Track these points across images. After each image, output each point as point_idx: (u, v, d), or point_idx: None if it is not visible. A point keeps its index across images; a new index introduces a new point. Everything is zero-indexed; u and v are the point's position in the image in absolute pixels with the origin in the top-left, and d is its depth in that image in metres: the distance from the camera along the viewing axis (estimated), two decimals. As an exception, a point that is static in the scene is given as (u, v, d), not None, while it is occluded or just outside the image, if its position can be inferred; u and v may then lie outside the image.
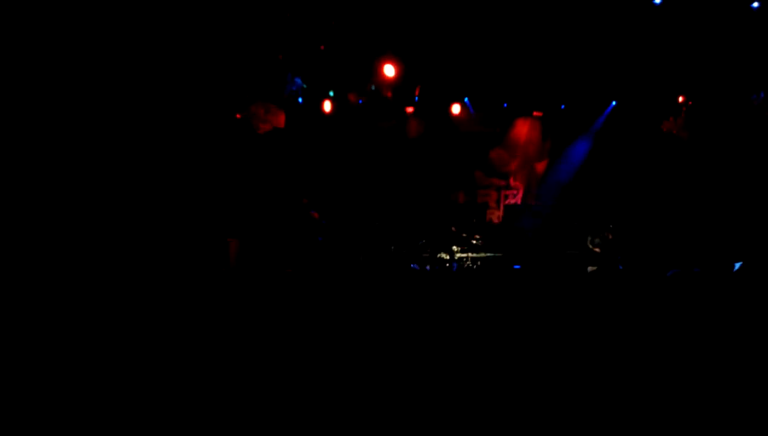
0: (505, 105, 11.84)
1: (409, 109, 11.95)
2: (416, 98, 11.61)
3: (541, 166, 12.40)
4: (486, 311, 6.67)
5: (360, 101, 11.76)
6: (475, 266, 10.40)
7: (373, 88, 11.39)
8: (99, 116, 8.20)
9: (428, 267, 10.44)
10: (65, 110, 7.65)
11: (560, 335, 5.52)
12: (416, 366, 4.37)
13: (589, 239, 10.62)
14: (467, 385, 3.98)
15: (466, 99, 11.65)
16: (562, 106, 11.81)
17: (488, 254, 10.59)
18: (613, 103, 11.47)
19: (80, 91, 7.84)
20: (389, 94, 11.32)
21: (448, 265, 10.02)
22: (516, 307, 6.92)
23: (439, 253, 10.69)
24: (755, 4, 9.02)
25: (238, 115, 10.75)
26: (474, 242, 10.73)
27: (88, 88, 7.95)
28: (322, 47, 9.82)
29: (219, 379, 3.91)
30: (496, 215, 12.04)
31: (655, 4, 9.40)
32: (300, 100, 11.52)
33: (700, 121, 9.65)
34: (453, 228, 10.73)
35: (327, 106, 11.33)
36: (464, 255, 10.53)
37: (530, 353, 4.88)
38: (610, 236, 10.40)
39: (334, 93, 11.52)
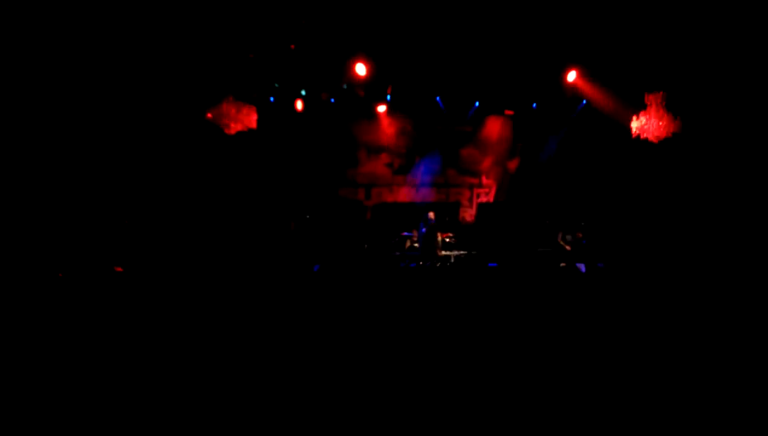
0: (477, 104, 11.87)
1: (381, 109, 11.91)
2: (388, 97, 11.58)
3: (512, 165, 12.48)
4: (460, 306, 6.67)
5: (332, 100, 11.68)
6: (448, 264, 10.42)
7: (345, 86, 11.33)
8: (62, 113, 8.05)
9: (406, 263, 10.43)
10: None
11: (533, 329, 5.55)
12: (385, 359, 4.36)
13: (561, 236, 10.72)
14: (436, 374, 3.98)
15: (437, 97, 11.66)
16: (534, 105, 11.90)
17: (461, 252, 10.63)
18: (584, 102, 11.59)
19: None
20: (361, 93, 11.26)
21: (430, 264, 10.01)
22: (490, 303, 6.94)
23: (413, 250, 10.70)
24: None
25: (209, 115, 10.61)
26: (447, 239, 10.75)
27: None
28: (292, 46, 9.72)
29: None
30: (468, 213, 12.09)
31: None
32: (272, 99, 11.41)
33: (671, 119, 9.79)
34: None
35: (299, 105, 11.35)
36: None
37: (503, 347, 4.89)
38: (580, 235, 10.52)
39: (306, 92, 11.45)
